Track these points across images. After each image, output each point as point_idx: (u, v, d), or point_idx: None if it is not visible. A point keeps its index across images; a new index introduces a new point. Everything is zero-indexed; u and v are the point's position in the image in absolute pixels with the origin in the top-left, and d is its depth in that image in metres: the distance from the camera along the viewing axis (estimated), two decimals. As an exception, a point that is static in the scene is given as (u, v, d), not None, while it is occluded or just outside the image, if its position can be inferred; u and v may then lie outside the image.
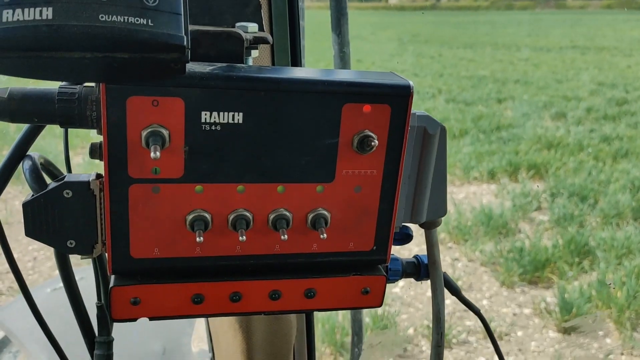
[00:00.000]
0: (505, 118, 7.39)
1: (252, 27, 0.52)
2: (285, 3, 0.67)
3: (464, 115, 7.45)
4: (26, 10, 0.35)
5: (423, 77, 10.10)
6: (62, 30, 0.35)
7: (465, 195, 5.08)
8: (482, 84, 9.69)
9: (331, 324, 3.10)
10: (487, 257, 3.91)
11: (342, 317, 3.18)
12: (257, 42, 0.51)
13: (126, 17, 0.36)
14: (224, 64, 0.47)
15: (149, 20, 0.37)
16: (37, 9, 0.35)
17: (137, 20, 0.37)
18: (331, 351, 3.00)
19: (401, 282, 3.82)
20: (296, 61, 0.71)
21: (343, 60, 0.79)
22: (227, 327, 0.73)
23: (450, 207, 4.72)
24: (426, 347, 3.13)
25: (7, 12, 0.34)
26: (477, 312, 0.60)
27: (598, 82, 9.91)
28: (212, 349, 0.83)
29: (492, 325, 3.19)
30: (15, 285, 3.56)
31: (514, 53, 13.89)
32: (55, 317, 1.88)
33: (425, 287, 3.70)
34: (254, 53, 0.53)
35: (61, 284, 1.66)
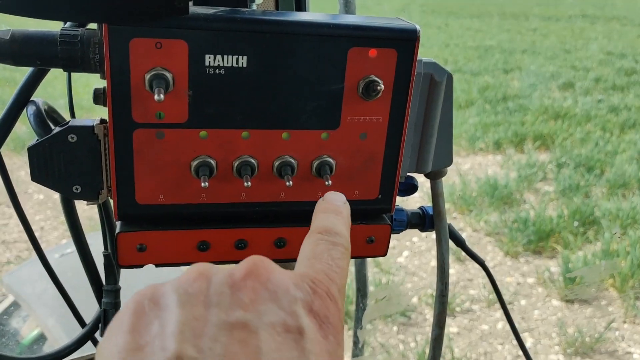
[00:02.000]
0: (511, 89, 7.31)
1: (257, -29, 0.51)
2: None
3: (470, 85, 7.38)
4: (27, -56, 0.34)
5: (429, 48, 9.96)
6: (62, -36, 0.34)
7: (471, 166, 5.06)
8: (489, 54, 9.56)
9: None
10: (491, 227, 3.92)
11: (347, 287, 3.21)
12: (260, -14, 0.50)
13: (128, -49, 0.35)
14: (227, 8, 0.46)
15: (151, -45, 0.36)
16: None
17: (139, -45, 0.36)
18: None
19: (405, 252, 3.85)
20: (300, 7, 0.70)
21: (348, 9, 0.77)
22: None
23: (455, 177, 4.72)
24: (429, 315, 3.16)
25: (8, -54, 0.34)
26: (481, 263, 0.61)
27: (607, 52, 9.76)
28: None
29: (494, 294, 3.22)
30: (23, 254, 3.60)
31: (522, 23, 13.66)
32: (64, 280, 1.90)
33: (429, 257, 3.72)
34: (258, -1, 0.52)
35: (70, 250, 1.68)
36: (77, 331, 1.79)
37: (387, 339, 2.94)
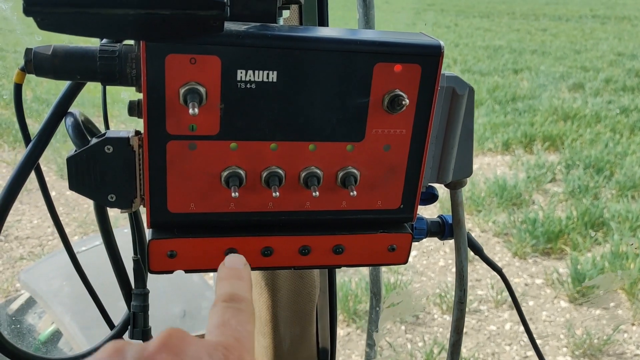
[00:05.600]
0: (521, 89, 7.29)
1: (283, -13, 0.52)
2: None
3: (480, 86, 7.36)
4: (73, -34, 0.36)
5: (438, 47, 9.91)
6: (107, -14, 0.36)
7: (479, 167, 5.06)
8: (498, 54, 9.53)
9: (344, 291, 3.15)
10: (500, 228, 3.92)
11: (355, 285, 3.23)
12: (288, 2, 0.52)
13: (169, -26, 0.37)
14: (258, 24, 0.48)
15: (191, -23, 0.38)
16: (84, -35, 0.36)
17: (179, -23, 0.37)
18: (344, 317, 3.05)
19: (414, 252, 3.86)
20: (323, 21, 0.72)
21: (368, 23, 0.79)
22: (253, 285, 0.76)
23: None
24: (437, 314, 3.17)
25: (55, -32, 0.35)
26: (499, 271, 0.62)
27: (617, 52, 9.70)
28: (237, 307, 0.86)
29: (503, 295, 3.22)
30: (36, 250, 3.64)
31: (531, 22, 13.59)
32: (79, 278, 1.92)
33: (437, 257, 3.73)
34: (285, 13, 0.54)
35: (87, 247, 1.69)
36: (93, 328, 1.81)
37: (395, 339, 2.96)
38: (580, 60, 9.05)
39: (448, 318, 3.12)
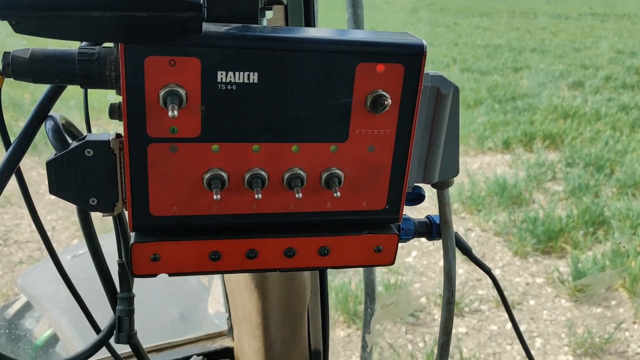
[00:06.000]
0: (521, 87, 7.28)
1: (266, -12, 0.52)
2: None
3: (479, 84, 7.35)
4: (47, -32, 0.35)
5: (437, 47, 9.94)
6: (81, -11, 0.36)
7: (479, 166, 5.05)
8: (498, 53, 9.52)
9: (344, 292, 3.15)
10: (500, 227, 3.91)
11: (355, 286, 3.23)
12: (271, 2, 0.52)
13: (143, -24, 0.37)
14: (239, 25, 0.47)
15: (166, -21, 0.37)
16: (58, -32, 0.35)
17: (154, -21, 0.37)
18: (344, 319, 3.05)
19: (414, 252, 3.85)
20: (309, 22, 0.72)
21: (356, 23, 0.78)
22: (242, 287, 0.76)
23: (464, 177, 4.71)
24: (438, 315, 3.17)
25: (28, -29, 0.35)
26: (487, 271, 0.62)
27: (617, 50, 9.69)
28: (228, 310, 0.86)
29: (505, 294, 3.22)
30: (35, 254, 3.65)
31: (531, 21, 13.58)
32: (76, 282, 1.92)
33: (438, 257, 3.73)
34: (268, 14, 0.54)
35: (82, 251, 1.70)
36: (90, 332, 1.81)
37: (395, 339, 2.95)
38: (579, 58, 9.04)
39: (449, 318, 3.12)
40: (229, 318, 0.86)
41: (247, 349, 0.81)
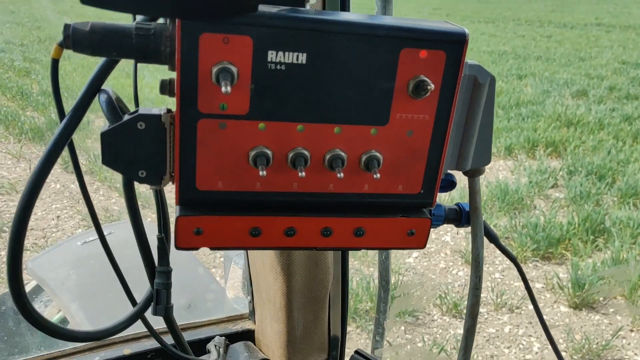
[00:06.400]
0: (525, 94, 7.31)
1: (312, -26, 0.54)
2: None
3: (483, 90, 7.35)
4: (120, -58, 0.37)
5: (443, 51, 9.93)
6: (152, -37, 0.37)
7: (482, 170, 5.07)
8: (503, 59, 9.54)
9: (345, 289, 3.16)
10: (501, 232, 3.93)
11: (357, 284, 3.24)
12: (316, -12, 0.53)
13: (211, -47, 0.38)
14: (288, 7, 0.49)
15: (231, -43, 0.39)
16: (130, -58, 0.37)
17: (220, -43, 0.39)
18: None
19: (415, 253, 3.87)
20: (344, 7, 0.73)
21: (386, 9, 0.80)
22: (268, 270, 0.77)
23: (465, 180, 4.72)
24: (437, 315, 3.18)
25: (100, -55, 0.37)
26: (513, 260, 0.63)
27: (622, 60, 9.72)
28: (251, 292, 0.87)
29: (503, 298, 3.24)
30: (39, 242, 3.65)
31: (536, 29, 13.61)
32: (86, 267, 1.94)
33: (438, 259, 3.74)
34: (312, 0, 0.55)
35: (92, 238, 1.71)
36: (99, 315, 1.83)
37: (394, 338, 2.96)
38: (584, 68, 9.07)
39: (447, 319, 3.13)
40: (251, 301, 0.88)
41: (269, 331, 0.82)
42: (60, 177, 4.68)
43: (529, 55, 9.98)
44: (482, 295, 3.26)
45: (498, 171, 5.10)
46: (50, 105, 6.25)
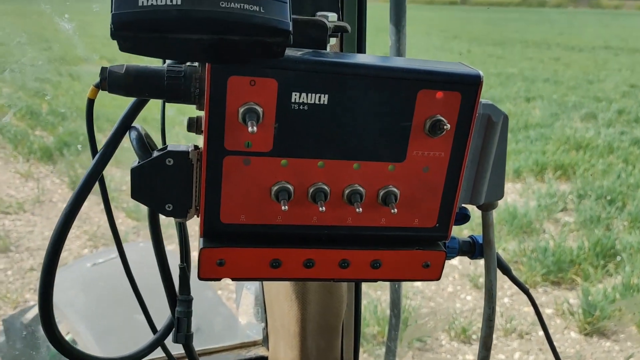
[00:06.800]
0: (533, 117, 7.32)
1: (332, 16, 0.56)
2: (355, -7, 0.72)
3: (492, 113, 7.38)
4: (159, -5, 0.39)
5: (451, 74, 9.99)
6: (189, 15, 0.40)
7: (491, 193, 5.06)
8: (511, 82, 9.59)
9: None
10: (509, 256, 3.91)
11: (364, 308, 3.23)
12: (337, 30, 0.56)
13: (242, 4, 0.41)
14: (310, 50, 0.51)
15: (261, 7, 0.42)
16: (168, -5, 0.39)
17: (251, 7, 0.41)
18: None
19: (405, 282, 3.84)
20: (361, 49, 0.76)
21: (399, 50, 0.83)
22: (283, 298, 0.79)
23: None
24: (445, 341, 3.16)
25: (143, -3, 0.39)
26: (526, 292, 0.64)
27: (630, 84, 9.73)
28: (265, 319, 0.89)
29: (512, 323, 3.21)
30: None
31: (544, 51, 13.69)
32: (95, 289, 1.96)
33: (446, 283, 3.73)
34: (332, 40, 0.58)
35: (103, 259, 1.73)
36: (107, 337, 1.83)
37: (403, 364, 2.94)
38: (593, 91, 9.08)
39: (456, 345, 3.11)
40: (265, 328, 0.89)
41: (283, 358, 0.84)
42: (67, 197, 4.72)
43: (536, 78, 10.02)
44: (491, 320, 3.26)
45: (506, 194, 5.06)
46: (59, 125, 6.32)
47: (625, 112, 7.70)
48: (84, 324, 1.81)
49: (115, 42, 0.41)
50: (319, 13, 0.57)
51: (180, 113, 0.60)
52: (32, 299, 3.29)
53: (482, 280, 3.79)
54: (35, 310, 2.10)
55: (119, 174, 4.08)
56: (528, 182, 5.27)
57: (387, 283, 3.22)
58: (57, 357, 1.84)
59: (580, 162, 5.62)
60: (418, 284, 3.72)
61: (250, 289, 1.18)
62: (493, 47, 14.08)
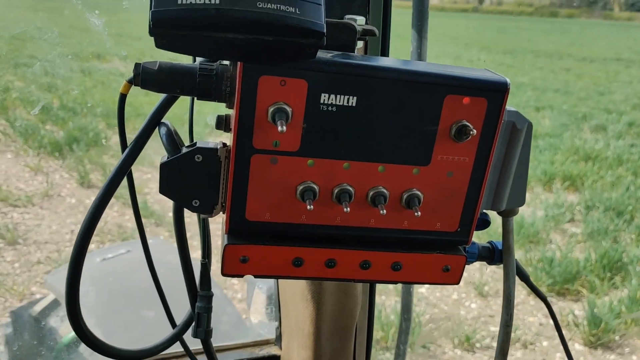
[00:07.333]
0: (542, 127, 7.30)
1: (360, 19, 0.57)
2: (381, -3, 0.73)
3: (501, 121, 7.36)
4: (198, -6, 0.40)
5: (461, 81, 9.98)
6: (226, 14, 0.40)
7: (498, 202, 5.05)
8: (521, 91, 9.56)
9: (358, 316, 3.14)
10: (516, 265, 3.90)
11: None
12: (365, 34, 0.56)
13: (278, 5, 0.42)
14: (340, 52, 0.52)
15: (297, 9, 0.42)
16: (207, -6, 0.40)
17: (287, 8, 0.42)
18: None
19: (426, 284, 3.84)
20: (385, 52, 0.77)
21: (420, 55, 0.83)
22: (298, 298, 0.79)
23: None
24: (448, 348, 3.15)
25: (182, -5, 0.40)
26: (543, 299, 0.65)
27: (641, 97, 9.68)
28: (279, 318, 0.89)
29: (517, 333, 3.20)
30: (53, 256, 3.70)
31: (555, 61, 13.65)
32: (104, 284, 1.97)
33: (451, 290, 3.72)
34: (359, 44, 0.58)
35: (113, 254, 1.75)
36: (115, 333, 1.85)
37: (406, 370, 2.94)
38: (603, 102, 9.05)
39: (459, 352, 3.10)
40: (279, 327, 0.89)
41: (296, 358, 0.84)
42: (76, 192, 4.75)
43: (547, 88, 9.99)
44: (495, 329, 3.24)
45: (514, 203, 5.07)
46: (70, 120, 6.36)
47: (636, 125, 7.66)
48: (93, 319, 1.82)
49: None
50: (347, 16, 0.57)
51: (196, 113, 0.61)
52: (39, 291, 3.31)
53: (487, 288, 3.78)
54: (43, 303, 2.12)
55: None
56: (536, 192, 5.25)
57: (392, 288, 3.21)
58: (65, 350, 1.86)
59: (589, 173, 5.60)
60: (423, 290, 3.71)
61: (262, 288, 1.19)
62: (503, 56, 14.06)
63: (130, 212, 4.44)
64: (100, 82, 7.99)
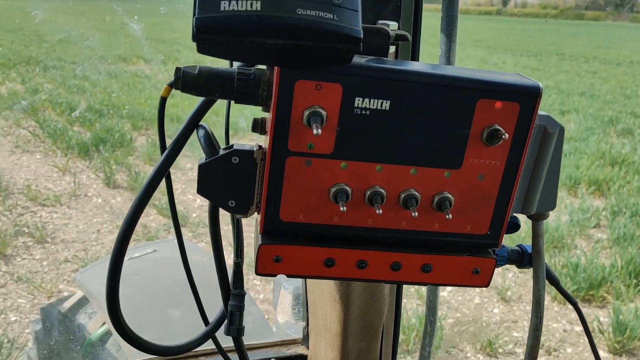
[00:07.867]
0: (567, 131, 7.19)
1: (393, 25, 0.58)
2: (412, 2, 0.73)
3: (525, 125, 7.28)
4: (240, 1, 0.42)
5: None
6: (267, 20, 0.42)
7: (521, 206, 4.99)
8: (546, 94, 9.42)
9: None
10: (540, 270, 3.85)
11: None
12: (397, 39, 0.57)
13: (317, 12, 0.43)
14: (373, 57, 0.53)
15: (335, 15, 0.43)
16: (249, 1, 0.42)
17: (326, 15, 0.43)
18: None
19: (449, 287, 3.82)
20: (415, 57, 0.77)
21: (449, 60, 0.84)
22: (326, 298, 0.80)
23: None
24: (471, 353, 3.13)
25: (224, 2, 0.42)
26: (574, 304, 0.65)
27: (670, 100, 9.47)
28: (307, 318, 0.91)
29: (541, 339, 3.16)
30: (80, 254, 3.77)
31: (581, 64, 13.44)
32: (132, 283, 2.00)
33: (473, 294, 3.69)
34: (391, 48, 0.59)
35: (140, 254, 1.78)
36: (142, 330, 1.88)
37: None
38: (630, 106, 8.88)
39: (482, 357, 3.08)
40: (306, 327, 0.91)
41: (323, 358, 0.85)
42: (102, 192, 4.84)
43: (572, 91, 9.84)
44: (518, 335, 3.21)
45: (538, 208, 5.00)
46: (96, 122, 6.47)
47: (664, 129, 7.50)
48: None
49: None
50: (380, 21, 0.58)
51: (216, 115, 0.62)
52: (66, 289, 3.38)
53: (509, 293, 3.74)
54: (73, 300, 2.17)
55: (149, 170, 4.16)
56: (560, 196, 5.18)
57: (413, 291, 3.19)
58: (93, 345, 1.90)
59: (615, 178, 5.50)
60: (444, 293, 3.69)
61: (287, 288, 1.20)
62: (528, 59, 13.89)
63: (154, 213, 4.51)
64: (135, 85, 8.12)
